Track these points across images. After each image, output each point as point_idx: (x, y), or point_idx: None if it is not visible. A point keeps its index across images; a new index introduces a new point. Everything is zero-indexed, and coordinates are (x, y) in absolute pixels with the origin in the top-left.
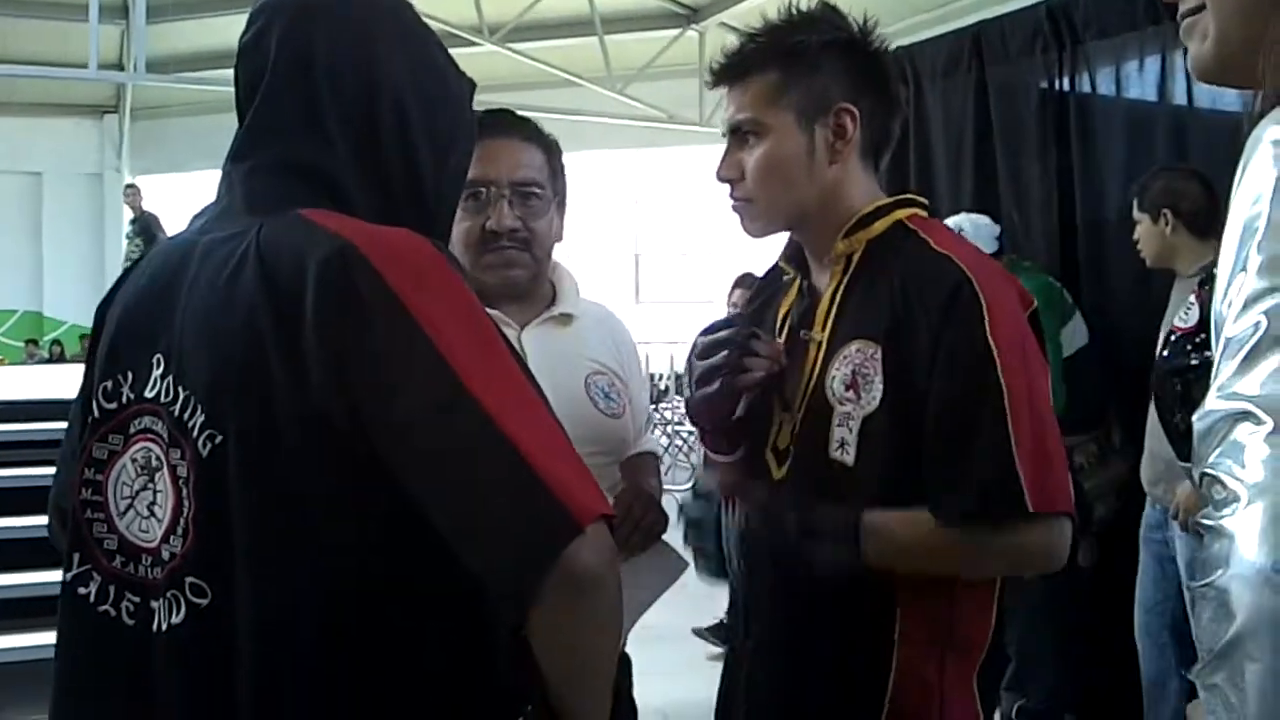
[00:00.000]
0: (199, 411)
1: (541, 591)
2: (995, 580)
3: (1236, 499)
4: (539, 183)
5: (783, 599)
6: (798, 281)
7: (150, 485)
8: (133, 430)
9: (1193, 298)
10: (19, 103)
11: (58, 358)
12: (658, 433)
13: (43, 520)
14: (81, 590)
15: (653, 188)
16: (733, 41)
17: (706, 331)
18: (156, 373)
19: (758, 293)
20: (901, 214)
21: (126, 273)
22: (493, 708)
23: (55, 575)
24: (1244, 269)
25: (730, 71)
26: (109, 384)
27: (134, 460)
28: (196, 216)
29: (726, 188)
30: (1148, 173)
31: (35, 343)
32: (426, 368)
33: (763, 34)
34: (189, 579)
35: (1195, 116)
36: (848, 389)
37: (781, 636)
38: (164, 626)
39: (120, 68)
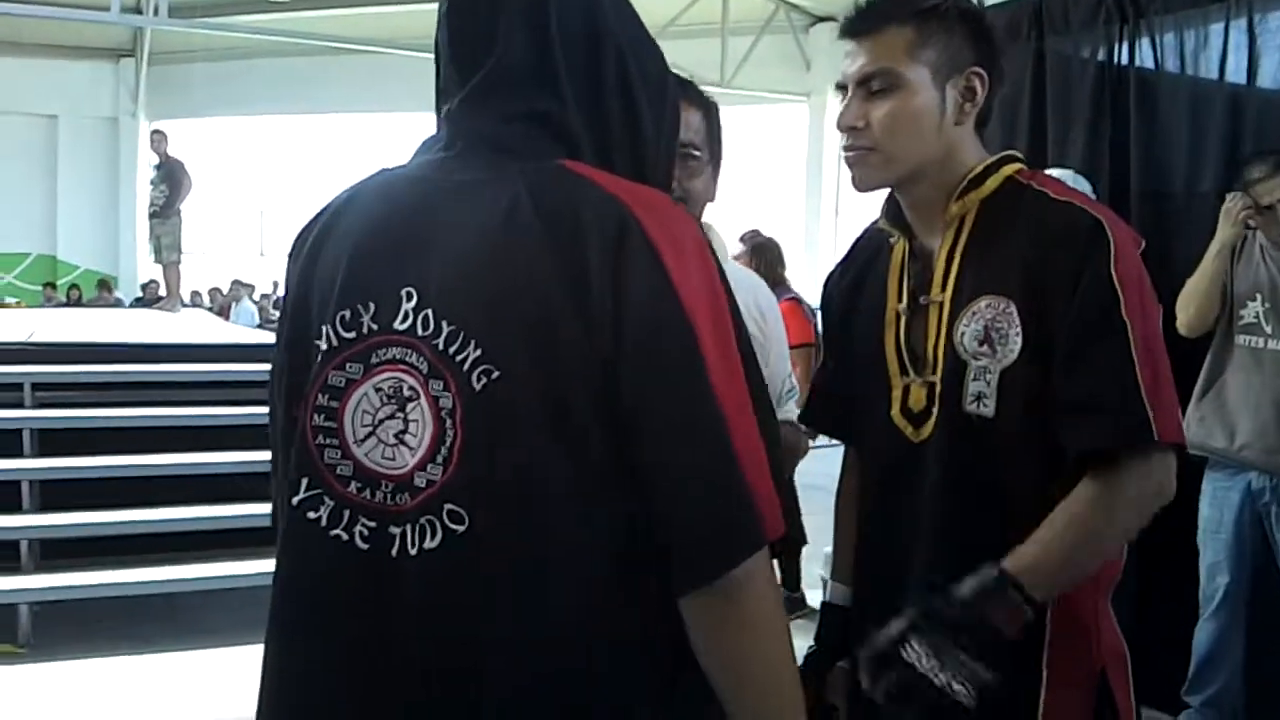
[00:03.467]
0: (471, 346)
1: (716, 577)
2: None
3: None
4: (696, 144)
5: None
6: (902, 243)
7: (400, 414)
8: (375, 360)
9: None
10: (33, 43)
11: (75, 301)
12: None
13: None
14: (311, 514)
15: None
16: None
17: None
18: (408, 306)
19: (855, 255)
20: (1009, 169)
21: (326, 208)
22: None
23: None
24: None
25: (865, 24)
26: (346, 313)
27: (378, 389)
28: (417, 154)
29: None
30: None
31: (53, 286)
32: (682, 352)
33: None
34: (448, 506)
35: (1256, 95)
36: (981, 344)
37: None
38: (413, 551)
39: (139, 11)
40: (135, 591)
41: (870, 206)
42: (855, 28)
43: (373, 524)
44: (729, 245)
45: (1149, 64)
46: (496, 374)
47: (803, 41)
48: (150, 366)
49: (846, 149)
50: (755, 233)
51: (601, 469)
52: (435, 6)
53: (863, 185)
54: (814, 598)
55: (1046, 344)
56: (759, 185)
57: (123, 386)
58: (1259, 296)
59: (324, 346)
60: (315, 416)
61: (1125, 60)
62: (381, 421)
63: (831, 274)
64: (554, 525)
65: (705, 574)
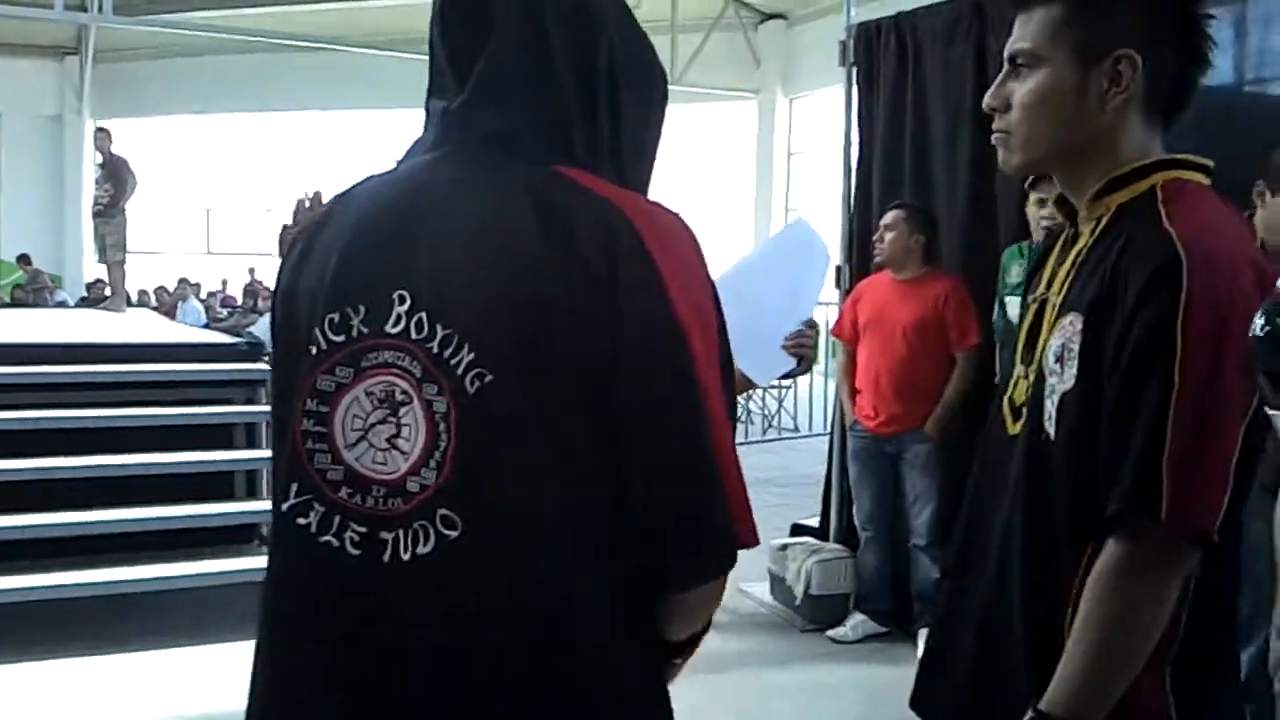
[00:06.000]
0: (465, 350)
1: (687, 590)
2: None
3: None
4: None
5: None
6: (1066, 230)
7: (392, 418)
8: (365, 364)
9: None
10: None
11: (18, 303)
12: None
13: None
14: (301, 520)
15: None
16: None
17: None
18: (400, 309)
19: (1052, 238)
20: (1160, 177)
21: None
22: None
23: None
24: None
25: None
26: (335, 316)
27: (369, 393)
28: (407, 155)
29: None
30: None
31: None
32: (673, 360)
33: None
34: (441, 511)
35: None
36: (1056, 360)
37: None
38: (405, 556)
39: (84, 8)
40: (85, 593)
41: (821, 207)
42: (1014, 1)
43: (363, 530)
44: None
45: None
46: (490, 378)
47: (752, 39)
48: (96, 367)
49: (993, 129)
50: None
51: (590, 472)
52: (382, 4)
53: (1006, 169)
54: (759, 590)
55: (1096, 377)
56: (709, 184)
57: (66, 388)
58: None
59: (313, 350)
60: (305, 421)
61: None
62: (373, 426)
63: None
64: (547, 530)
65: (679, 586)
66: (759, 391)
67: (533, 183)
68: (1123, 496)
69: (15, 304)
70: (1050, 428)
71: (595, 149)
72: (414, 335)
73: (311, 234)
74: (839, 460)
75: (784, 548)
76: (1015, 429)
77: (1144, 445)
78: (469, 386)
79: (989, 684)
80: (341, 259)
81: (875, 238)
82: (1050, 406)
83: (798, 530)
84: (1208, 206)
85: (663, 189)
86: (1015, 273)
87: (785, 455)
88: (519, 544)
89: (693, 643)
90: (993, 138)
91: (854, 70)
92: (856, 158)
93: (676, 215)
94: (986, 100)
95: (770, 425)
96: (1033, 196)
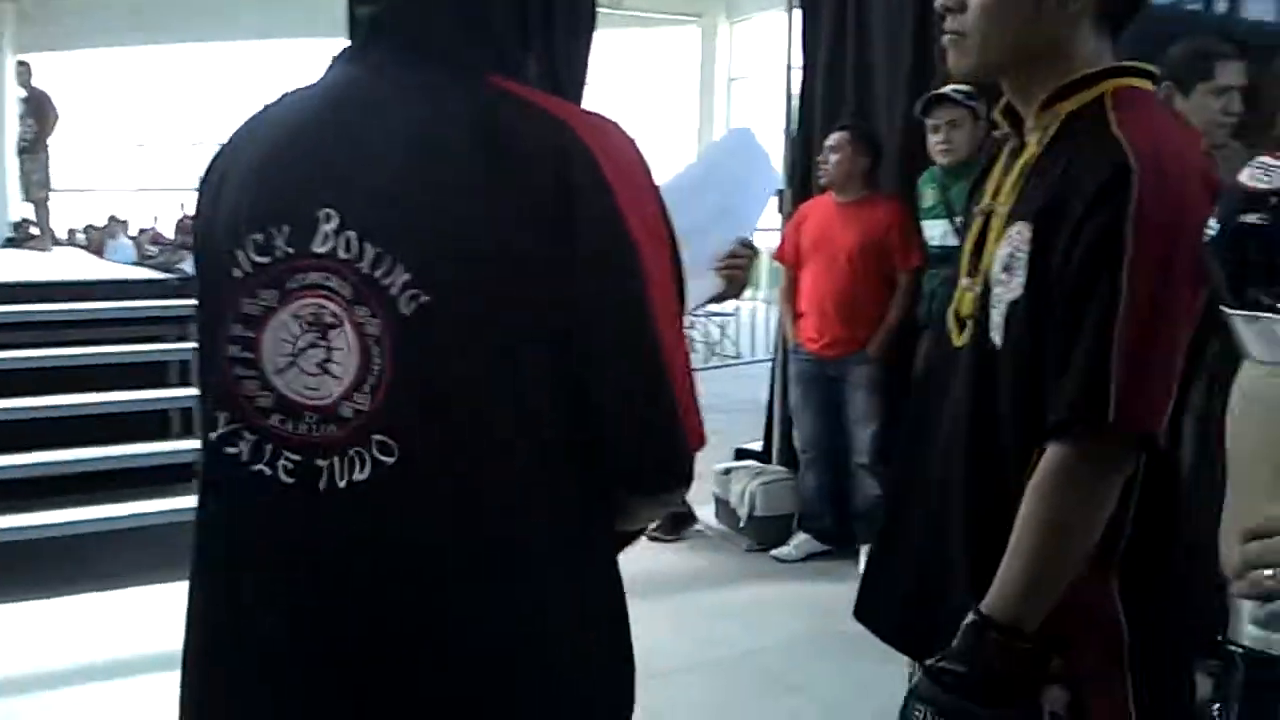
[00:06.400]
0: (400, 270)
1: (652, 494)
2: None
3: None
4: None
5: None
6: (1009, 141)
7: (322, 342)
8: (292, 285)
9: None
10: None
11: None
12: None
13: None
14: (230, 449)
15: None
16: None
17: None
18: (327, 227)
19: (991, 151)
20: (1110, 84)
21: (236, 135)
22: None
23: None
24: None
25: None
26: (259, 236)
27: (296, 317)
28: (330, 66)
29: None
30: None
31: None
32: (626, 277)
33: None
34: (376, 436)
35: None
36: (1004, 270)
37: None
38: (341, 484)
39: None
40: (18, 537)
41: (763, 132)
42: None
43: (297, 458)
44: None
45: None
46: (427, 298)
47: None
48: (22, 306)
49: (944, 32)
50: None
51: (539, 391)
52: None
53: (956, 72)
54: (704, 513)
55: (1044, 286)
56: (651, 109)
57: None
58: None
59: (236, 274)
60: (231, 347)
61: None
62: (302, 350)
63: None
64: (489, 452)
65: (642, 490)
66: (701, 318)
67: (471, 94)
68: (1067, 404)
69: None
70: (997, 337)
71: (523, 58)
72: (342, 255)
73: (230, 155)
74: (780, 384)
75: (727, 471)
76: (960, 340)
77: (1091, 351)
78: (404, 308)
79: (932, 591)
80: (261, 177)
81: (820, 158)
82: (997, 316)
83: (741, 455)
84: (1156, 113)
85: (603, 113)
86: (929, 197)
87: (727, 382)
88: (461, 469)
89: (635, 536)
90: (944, 39)
91: None
92: (799, 82)
93: (618, 125)
94: (940, 0)
95: (714, 353)
96: (929, 123)
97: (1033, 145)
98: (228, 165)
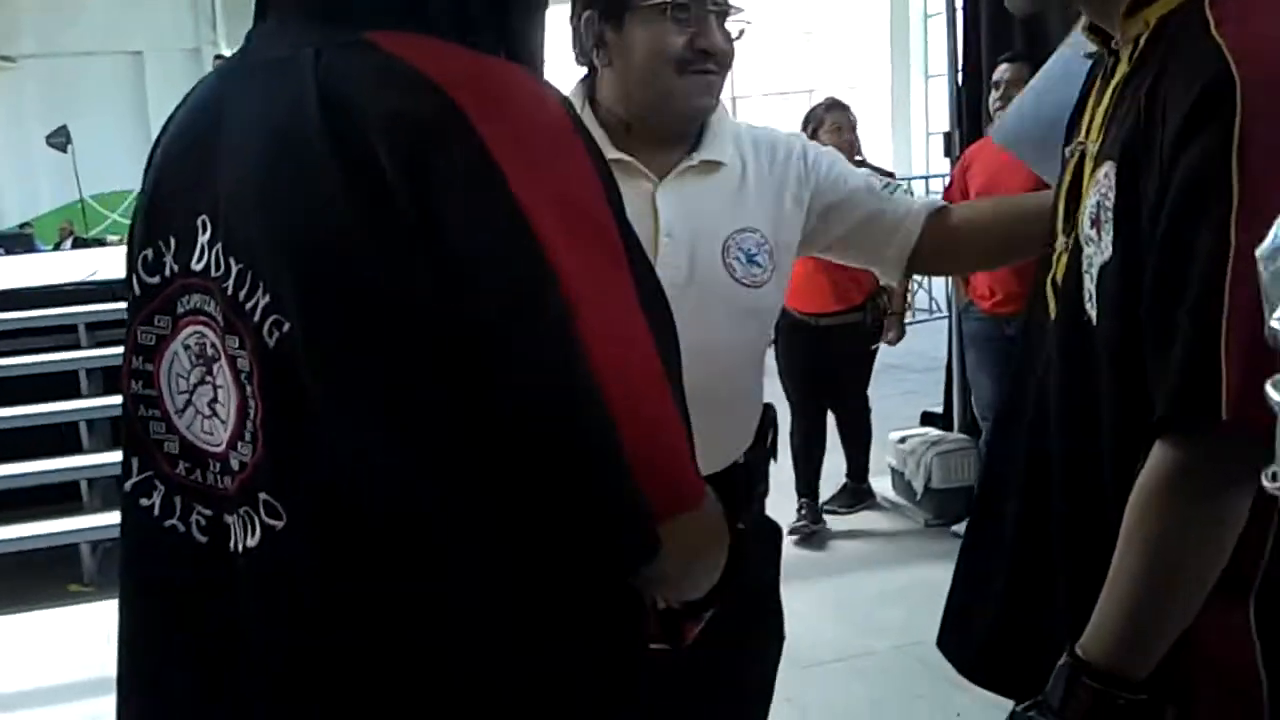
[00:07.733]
0: (261, 291)
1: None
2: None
3: None
4: (739, 7)
5: None
6: (1105, 59)
7: (209, 378)
8: (180, 310)
9: None
10: None
11: None
12: None
13: None
14: (144, 501)
15: None
16: None
17: None
18: (203, 239)
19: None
20: None
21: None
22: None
23: None
24: None
25: None
26: (149, 253)
27: (186, 347)
28: (250, 33)
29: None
30: None
31: None
32: (527, 278)
33: None
34: (262, 495)
35: None
36: (1092, 225)
37: None
38: (240, 548)
39: None
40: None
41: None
42: None
43: (209, 513)
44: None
45: None
46: (288, 326)
47: None
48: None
49: None
50: (833, 101)
51: (443, 443)
52: None
53: (1012, 9)
54: (880, 485)
55: (1136, 243)
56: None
57: None
58: None
59: (132, 297)
60: (133, 384)
61: None
62: (195, 387)
63: None
64: (382, 521)
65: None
66: None
67: (328, 63)
68: (1169, 398)
69: None
70: (1091, 309)
71: (463, 10)
72: (214, 272)
73: (151, 154)
74: (957, 345)
75: (903, 440)
76: (1054, 313)
77: (1195, 329)
78: (268, 338)
79: (1023, 621)
80: (154, 182)
81: (996, 94)
82: (1089, 283)
83: (927, 419)
84: (1267, 7)
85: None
86: None
87: (921, 339)
88: (348, 539)
89: (719, 589)
90: None
91: None
92: (962, 20)
93: (515, 68)
94: None
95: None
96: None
97: (1124, 63)
98: (149, 164)
